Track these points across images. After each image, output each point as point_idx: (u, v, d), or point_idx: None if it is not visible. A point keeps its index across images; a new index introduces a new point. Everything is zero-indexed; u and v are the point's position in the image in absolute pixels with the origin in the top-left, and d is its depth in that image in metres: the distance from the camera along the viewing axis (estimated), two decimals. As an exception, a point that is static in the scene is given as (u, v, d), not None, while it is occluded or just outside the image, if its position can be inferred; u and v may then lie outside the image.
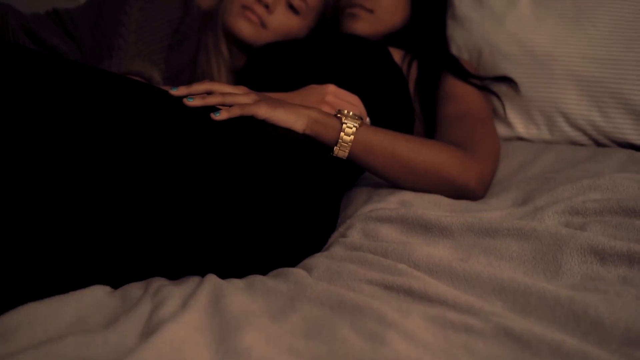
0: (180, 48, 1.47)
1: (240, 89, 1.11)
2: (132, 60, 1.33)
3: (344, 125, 1.12)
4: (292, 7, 1.53)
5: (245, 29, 1.51)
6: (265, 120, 1.08)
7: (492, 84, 1.49)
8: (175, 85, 1.49)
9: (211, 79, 1.54)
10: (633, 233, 0.98)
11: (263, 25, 1.51)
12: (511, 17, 1.50)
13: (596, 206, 1.06)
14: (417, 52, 1.48)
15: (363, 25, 1.50)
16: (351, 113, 1.14)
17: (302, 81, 1.32)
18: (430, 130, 1.40)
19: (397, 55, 1.46)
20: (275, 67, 1.41)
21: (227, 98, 1.07)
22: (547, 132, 1.47)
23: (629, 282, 0.83)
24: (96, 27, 1.42)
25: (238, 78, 1.53)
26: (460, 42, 1.56)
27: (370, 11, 1.51)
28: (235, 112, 1.05)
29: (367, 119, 1.26)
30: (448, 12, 1.62)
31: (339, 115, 1.13)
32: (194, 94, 1.08)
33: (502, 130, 1.50)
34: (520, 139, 1.50)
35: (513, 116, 1.49)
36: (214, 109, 1.05)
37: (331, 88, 1.22)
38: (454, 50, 1.57)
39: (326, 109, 1.19)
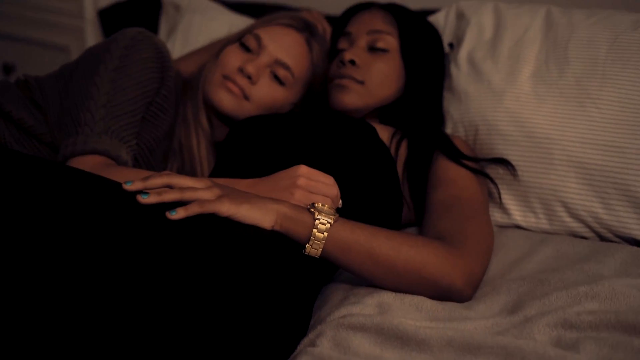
0: (155, 121, 1.41)
1: (202, 182, 1.04)
2: (99, 138, 1.27)
3: (317, 222, 1.05)
4: (277, 78, 1.47)
5: (225, 100, 1.45)
6: (229, 218, 1.01)
7: (489, 166, 1.41)
8: (148, 161, 1.42)
9: (190, 152, 1.48)
10: (630, 355, 0.89)
11: (245, 97, 1.45)
12: (510, 94, 1.43)
13: (592, 319, 0.98)
14: (408, 129, 1.41)
15: (352, 97, 1.44)
16: (326, 206, 1.07)
17: (282, 159, 1.26)
18: (420, 217, 1.32)
19: (385, 133, 1.39)
20: (256, 143, 1.35)
21: (186, 194, 1.00)
22: (546, 222, 1.39)
23: None
24: (65, 98, 1.37)
25: (219, 151, 1.46)
26: (456, 116, 1.49)
27: (361, 82, 1.45)
28: (194, 210, 0.98)
29: (340, 202, 1.18)
30: (445, 83, 1.55)
31: (311, 209, 1.06)
32: (151, 188, 1.01)
33: (497, 216, 1.42)
34: (518, 226, 1.41)
35: (510, 202, 1.41)
36: (171, 205, 0.98)
37: (302, 170, 1.15)
38: (450, 125, 1.50)
39: (299, 193, 1.12)
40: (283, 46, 1.48)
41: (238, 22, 1.89)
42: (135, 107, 1.34)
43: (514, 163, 1.39)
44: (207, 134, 1.49)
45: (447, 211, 1.21)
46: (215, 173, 1.36)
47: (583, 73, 1.40)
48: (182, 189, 1.00)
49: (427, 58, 1.53)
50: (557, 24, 1.49)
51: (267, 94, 1.47)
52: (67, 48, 2.35)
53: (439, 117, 1.52)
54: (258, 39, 1.48)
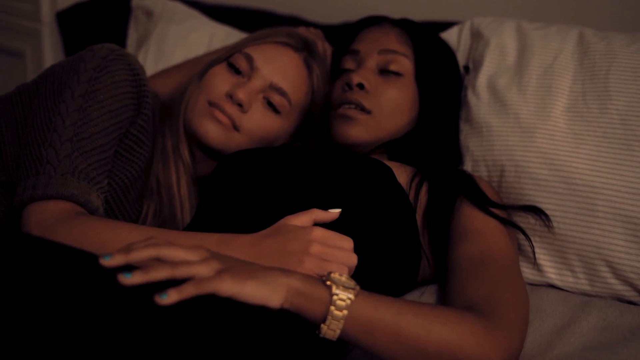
0: (129, 156, 1.22)
1: (197, 253, 0.86)
2: (64, 179, 1.07)
3: (335, 297, 0.87)
4: (271, 105, 1.30)
5: (212, 132, 1.27)
6: (231, 298, 0.83)
7: (517, 214, 1.25)
8: (121, 204, 1.23)
9: (169, 190, 1.29)
10: None
11: (235, 127, 1.27)
12: (543, 131, 1.28)
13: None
14: (427, 170, 1.25)
15: (359, 130, 1.29)
16: (343, 277, 0.89)
17: (278, 203, 1.11)
18: (440, 273, 1.16)
19: (403, 175, 1.23)
20: (247, 181, 1.18)
21: (178, 270, 0.82)
22: (587, 283, 1.23)
23: None
24: (23, 128, 1.17)
25: (202, 189, 1.28)
26: (477, 153, 1.33)
27: (368, 112, 1.29)
28: (189, 291, 0.80)
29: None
30: (461, 113, 1.39)
31: (327, 282, 0.88)
32: (135, 263, 0.83)
33: (528, 272, 1.27)
34: (552, 285, 1.25)
35: (543, 257, 1.26)
36: (160, 285, 0.80)
37: (317, 234, 0.98)
38: (469, 163, 1.34)
39: (310, 262, 0.95)
40: (278, 68, 1.31)
41: (220, 34, 1.71)
42: (106, 140, 1.15)
43: (548, 212, 1.24)
44: (188, 169, 1.31)
45: (477, 271, 1.05)
46: (198, 216, 1.19)
47: (629, 110, 1.25)
48: (173, 264, 0.82)
49: (444, 84, 1.38)
50: (593, 50, 1.34)
51: (260, 123, 1.30)
52: (22, 53, 2.15)
53: (457, 153, 1.36)
54: (250, 59, 1.30)
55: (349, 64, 1.37)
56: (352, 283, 0.90)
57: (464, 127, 1.38)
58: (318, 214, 1.04)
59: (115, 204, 1.23)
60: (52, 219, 1.04)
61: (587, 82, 1.31)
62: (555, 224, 1.24)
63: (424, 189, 1.21)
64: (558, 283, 1.25)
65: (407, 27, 1.38)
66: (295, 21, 1.93)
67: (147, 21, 1.86)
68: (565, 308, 1.17)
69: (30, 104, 1.19)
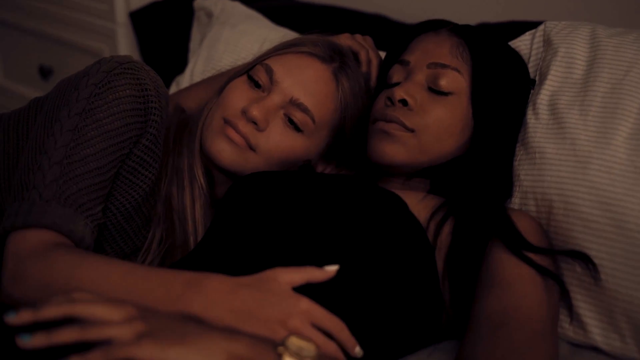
0: (133, 178, 1.17)
1: (119, 311, 0.79)
2: (47, 206, 1.04)
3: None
4: (292, 123, 1.21)
5: (225, 152, 1.21)
6: None
7: (564, 260, 1.10)
8: (123, 230, 1.19)
9: (182, 214, 1.24)
10: None
11: (251, 147, 1.20)
12: (599, 161, 1.11)
13: None
14: (457, 203, 1.11)
15: (398, 150, 1.17)
16: (304, 344, 0.79)
17: (273, 240, 1.03)
18: (463, 326, 1.03)
19: (422, 210, 1.10)
20: (247, 212, 1.11)
21: (89, 332, 0.76)
22: (636, 350, 1.07)
23: None
24: (23, 149, 1.15)
25: (216, 213, 1.21)
26: (527, 184, 1.19)
27: (412, 131, 1.17)
28: (94, 358, 0.73)
29: (358, 349, 0.92)
30: (520, 142, 1.24)
31: (280, 350, 0.79)
32: (44, 321, 0.77)
33: (569, 329, 1.12)
34: (596, 348, 1.09)
35: (589, 315, 1.10)
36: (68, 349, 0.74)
37: (303, 305, 0.89)
38: (518, 196, 1.20)
39: (282, 335, 0.86)
40: (300, 82, 1.22)
41: (274, 37, 1.62)
42: (103, 163, 1.10)
43: (597, 261, 1.08)
44: (203, 191, 1.25)
45: (494, 333, 0.93)
46: (201, 244, 1.12)
47: None
48: (82, 329, 0.76)
49: (505, 106, 1.23)
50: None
51: (279, 143, 1.22)
52: (100, 52, 2.18)
53: (507, 185, 1.21)
54: (270, 71, 1.23)
55: (397, 75, 1.25)
56: (312, 351, 0.80)
57: (518, 152, 1.23)
58: (313, 274, 0.95)
59: (116, 231, 1.19)
60: (27, 251, 1.01)
61: (660, 104, 1.13)
62: (603, 276, 1.07)
63: (448, 227, 1.09)
64: (603, 346, 1.09)
65: (467, 36, 1.24)
66: (380, 20, 1.85)
67: (207, 22, 1.83)
68: None
69: (35, 121, 1.17)
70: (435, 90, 1.19)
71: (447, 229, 1.09)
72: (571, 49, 1.26)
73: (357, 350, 0.92)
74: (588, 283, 1.09)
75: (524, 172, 1.20)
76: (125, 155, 1.14)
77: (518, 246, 1.04)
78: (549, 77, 1.25)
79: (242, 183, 1.17)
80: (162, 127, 1.19)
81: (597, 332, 1.10)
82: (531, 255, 1.03)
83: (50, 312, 0.78)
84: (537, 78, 1.29)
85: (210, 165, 1.26)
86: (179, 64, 1.92)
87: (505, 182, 1.22)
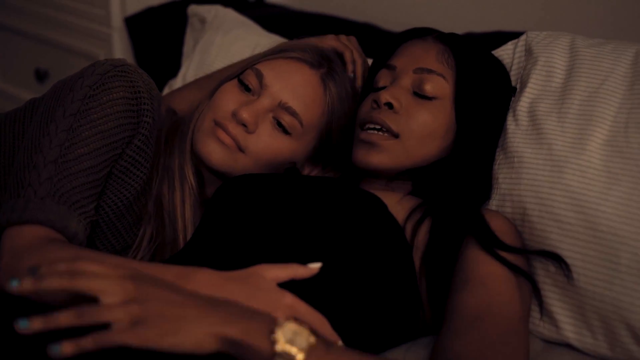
0: (125, 177, 1.21)
1: (117, 286, 0.82)
2: (42, 203, 1.08)
3: (277, 346, 0.80)
4: (280, 126, 1.25)
5: (215, 153, 1.25)
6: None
7: (538, 260, 1.14)
8: (115, 228, 1.23)
9: (172, 213, 1.28)
10: None
11: (240, 148, 1.25)
12: (574, 166, 1.16)
13: None
14: (435, 204, 1.16)
15: (381, 157, 1.21)
16: (299, 329, 0.82)
17: (257, 240, 1.08)
18: (439, 322, 1.08)
19: (401, 211, 1.15)
20: (232, 212, 1.15)
21: (84, 317, 0.79)
22: (606, 346, 1.12)
23: None
24: (19, 148, 1.19)
25: (204, 212, 1.25)
26: (504, 186, 1.24)
27: (395, 136, 1.21)
28: (87, 344, 0.77)
29: (340, 342, 0.96)
30: (500, 146, 1.29)
31: (273, 335, 0.81)
32: (46, 290, 0.81)
33: (544, 327, 1.17)
34: (569, 345, 1.14)
35: (562, 313, 1.15)
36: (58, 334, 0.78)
37: (287, 300, 0.94)
38: (496, 198, 1.25)
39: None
40: (289, 86, 1.27)
41: (265, 43, 1.66)
42: (96, 162, 1.15)
43: (570, 261, 1.13)
44: (194, 191, 1.29)
45: (468, 328, 0.97)
46: (190, 243, 1.17)
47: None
48: (80, 310, 0.79)
49: (487, 111, 1.27)
50: (648, 73, 1.20)
51: (267, 145, 1.26)
52: (96, 56, 2.22)
53: (486, 187, 1.26)
54: (260, 76, 1.27)
55: (383, 80, 1.28)
56: (304, 338, 0.82)
57: (498, 156, 1.28)
58: (297, 271, 0.99)
59: (108, 228, 1.23)
60: (23, 246, 1.06)
61: (633, 112, 1.18)
62: (575, 275, 1.12)
63: (425, 226, 1.14)
64: (575, 343, 1.14)
65: (452, 44, 1.28)
66: (370, 29, 1.89)
67: (201, 28, 1.87)
68: None
69: (31, 121, 1.21)
70: (420, 95, 1.22)
71: (424, 228, 1.14)
72: (551, 58, 1.30)
73: (339, 344, 0.95)
74: (561, 282, 1.14)
75: (502, 175, 1.25)
76: (118, 155, 1.19)
77: (491, 245, 1.08)
78: (529, 85, 1.29)
79: (229, 185, 1.22)
80: (154, 128, 1.23)
81: (569, 329, 1.15)
82: (504, 254, 1.08)
83: (52, 283, 0.81)
84: (518, 86, 1.34)
85: (201, 166, 1.30)
86: (172, 68, 1.96)
87: (484, 184, 1.26)
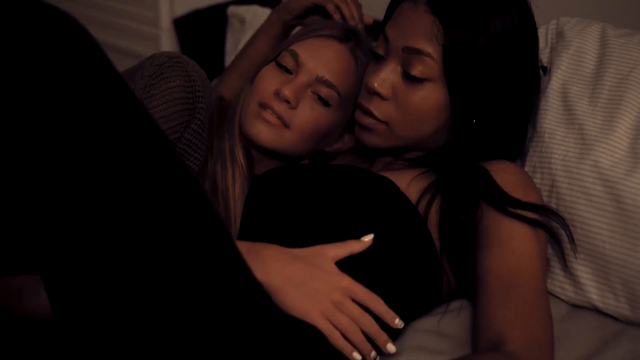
0: (185, 160, 1.32)
1: None
2: None
3: None
4: (320, 99, 1.36)
5: (263, 133, 1.35)
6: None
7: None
8: None
9: (225, 191, 1.38)
10: None
11: (285, 124, 1.35)
12: (603, 146, 1.25)
13: None
14: (444, 178, 1.19)
15: (375, 139, 1.25)
16: None
17: (293, 224, 1.15)
18: (464, 286, 1.18)
19: (413, 191, 1.18)
20: (272, 200, 1.22)
21: None
22: (628, 308, 1.19)
23: None
24: None
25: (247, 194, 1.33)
26: (535, 159, 1.32)
27: (385, 123, 1.23)
28: None
29: (398, 320, 1.06)
30: (530, 122, 1.35)
31: None
32: None
33: (570, 291, 1.25)
34: (594, 306, 1.23)
35: (586, 276, 1.23)
36: None
37: (345, 282, 1.04)
38: (527, 169, 1.32)
39: (325, 307, 1.03)
40: (323, 61, 1.37)
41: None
42: None
43: (596, 230, 1.21)
44: (243, 171, 1.39)
45: (506, 296, 1.04)
46: (245, 220, 1.26)
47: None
48: None
49: (486, 90, 1.19)
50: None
51: (310, 118, 1.36)
52: (145, 56, 2.33)
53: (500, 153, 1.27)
54: (295, 55, 1.38)
55: (381, 48, 1.24)
56: None
57: (528, 131, 1.35)
58: (353, 246, 1.08)
59: None
60: None
61: (658, 99, 1.26)
62: (601, 243, 1.20)
63: (437, 202, 1.17)
64: (599, 304, 1.22)
65: (443, 15, 1.15)
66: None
67: (241, 28, 1.98)
68: (596, 337, 1.14)
69: None
70: (409, 76, 1.18)
71: (436, 204, 1.16)
72: (583, 44, 1.39)
73: (397, 322, 1.05)
74: (586, 249, 1.22)
75: (533, 149, 1.33)
76: (177, 138, 1.30)
77: (503, 204, 1.11)
78: (562, 67, 1.37)
79: (262, 179, 1.29)
80: (207, 114, 1.34)
81: (593, 292, 1.22)
82: (518, 211, 1.10)
83: None
84: (548, 66, 1.41)
85: (249, 146, 1.40)
86: (217, 66, 2.08)
87: (497, 150, 1.25)
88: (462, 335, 1.14)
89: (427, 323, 1.17)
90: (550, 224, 1.14)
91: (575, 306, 1.25)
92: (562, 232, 1.17)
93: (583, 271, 1.23)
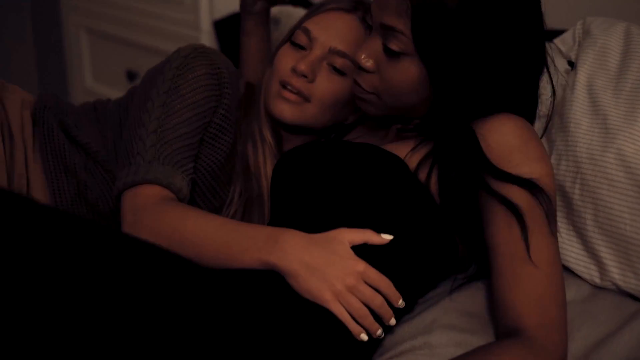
0: (214, 143, 1.43)
1: None
2: (149, 166, 1.31)
3: None
4: (336, 70, 1.43)
5: (285, 111, 1.43)
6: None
7: (585, 211, 1.30)
8: (212, 187, 1.46)
9: (257, 171, 1.47)
10: None
11: (305, 99, 1.42)
12: (626, 134, 1.32)
13: None
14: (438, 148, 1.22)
15: (367, 107, 1.30)
16: None
17: (308, 205, 1.23)
18: (474, 252, 1.24)
19: (414, 159, 1.23)
20: (293, 178, 1.31)
21: None
22: (648, 286, 1.26)
23: None
24: (124, 127, 1.43)
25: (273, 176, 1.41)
26: (561, 147, 1.39)
27: (373, 94, 1.27)
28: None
29: (401, 302, 1.13)
30: (557, 109, 1.41)
31: None
32: None
33: (594, 273, 1.32)
34: (615, 285, 1.31)
35: (609, 257, 1.31)
36: None
37: (360, 267, 1.11)
38: (554, 157, 1.39)
39: (339, 289, 1.10)
40: (334, 33, 1.43)
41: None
42: (190, 129, 1.37)
43: (618, 213, 1.29)
44: (272, 150, 1.48)
45: (519, 275, 1.10)
46: (272, 198, 1.36)
47: None
48: None
49: (461, 63, 1.17)
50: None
51: (328, 89, 1.42)
52: (184, 58, 2.44)
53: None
54: (307, 32, 1.44)
55: (373, 20, 1.25)
56: None
57: (555, 121, 1.43)
58: (371, 237, 1.14)
59: (206, 188, 1.45)
60: (141, 203, 1.26)
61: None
62: (622, 226, 1.28)
63: (436, 170, 1.20)
64: (620, 283, 1.30)
65: None
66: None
67: (275, 29, 2.07)
68: (617, 315, 1.22)
69: (132, 102, 1.44)
70: (389, 50, 1.20)
71: (434, 175, 1.20)
72: (608, 41, 1.47)
73: (400, 303, 1.13)
74: (609, 231, 1.30)
75: (559, 137, 1.40)
76: (207, 123, 1.40)
77: (486, 183, 1.13)
78: (588, 62, 1.45)
79: (281, 161, 1.38)
80: (234, 98, 1.45)
81: (615, 272, 1.30)
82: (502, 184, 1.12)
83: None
84: (575, 61, 1.49)
85: (276, 125, 1.49)
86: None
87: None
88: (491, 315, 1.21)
89: (457, 303, 1.25)
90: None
91: (597, 288, 1.33)
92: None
93: (605, 252, 1.30)
